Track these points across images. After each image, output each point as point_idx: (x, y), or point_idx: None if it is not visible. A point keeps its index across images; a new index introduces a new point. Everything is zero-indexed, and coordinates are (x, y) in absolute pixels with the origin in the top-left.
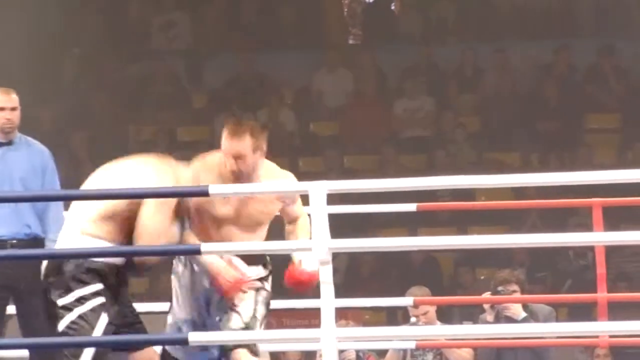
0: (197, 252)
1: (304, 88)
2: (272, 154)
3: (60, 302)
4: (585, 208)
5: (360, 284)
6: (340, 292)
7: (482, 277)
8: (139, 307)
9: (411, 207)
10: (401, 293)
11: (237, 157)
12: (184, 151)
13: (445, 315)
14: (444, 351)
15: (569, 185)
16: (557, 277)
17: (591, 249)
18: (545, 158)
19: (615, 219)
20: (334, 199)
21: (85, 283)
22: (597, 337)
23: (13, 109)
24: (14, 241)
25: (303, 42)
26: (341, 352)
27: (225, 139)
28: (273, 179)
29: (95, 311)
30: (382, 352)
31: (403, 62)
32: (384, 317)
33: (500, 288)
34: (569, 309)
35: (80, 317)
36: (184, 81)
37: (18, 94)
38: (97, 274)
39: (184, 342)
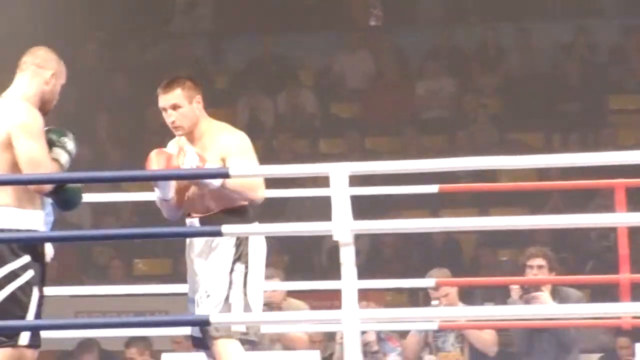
0: (219, 233)
1: (324, 69)
2: (293, 135)
3: None
4: (608, 189)
5: (382, 265)
6: (362, 274)
7: (504, 259)
8: (163, 288)
9: (433, 188)
10: (422, 275)
11: (174, 108)
12: None
13: (467, 296)
14: (465, 333)
15: (592, 166)
16: (579, 259)
17: (614, 230)
18: (568, 139)
19: (638, 200)
20: (355, 180)
21: (15, 254)
22: (619, 318)
23: None
24: None
25: (324, 23)
26: (362, 333)
27: (159, 96)
28: (216, 135)
29: (28, 286)
30: (404, 334)
31: (424, 43)
32: (405, 298)
33: (528, 263)
34: (591, 290)
35: (13, 294)
36: (205, 63)
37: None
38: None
39: (205, 323)
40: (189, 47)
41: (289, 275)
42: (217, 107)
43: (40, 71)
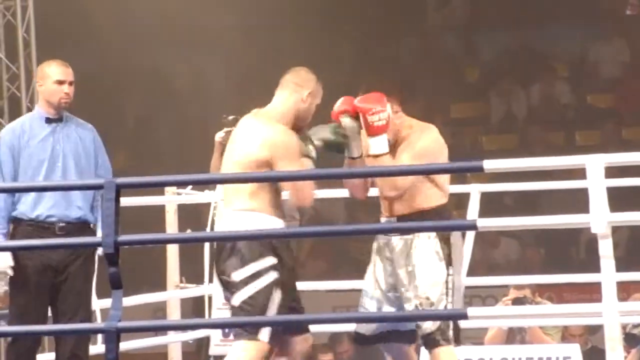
0: (474, 227)
1: (579, 60)
2: (548, 128)
3: (235, 276)
4: None
5: None
6: (621, 266)
7: None
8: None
9: None
10: None
11: None
12: (458, 127)
13: None
14: None
15: None
16: None
17: None
18: None
19: None
20: (612, 172)
21: (260, 255)
22: None
23: (71, 83)
24: (62, 224)
25: (579, 14)
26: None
27: None
28: (415, 133)
29: (270, 287)
30: None
31: None
32: None
33: None
34: None
35: (256, 292)
36: (458, 57)
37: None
38: (271, 247)
39: (463, 317)
40: (441, 41)
41: (545, 269)
42: (469, 100)
43: (298, 89)
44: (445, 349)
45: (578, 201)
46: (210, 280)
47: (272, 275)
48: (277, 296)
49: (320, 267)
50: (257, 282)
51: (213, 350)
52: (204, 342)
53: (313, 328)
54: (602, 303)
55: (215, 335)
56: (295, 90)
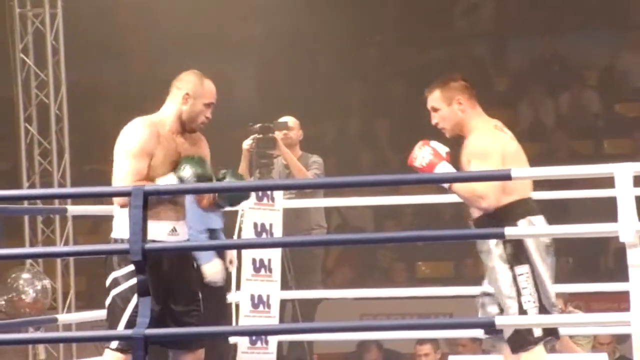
0: (502, 235)
1: (608, 68)
2: (576, 136)
3: (106, 283)
4: None
5: None
6: None
7: None
8: (446, 291)
9: None
10: None
11: (434, 111)
12: None
13: None
14: None
15: None
16: None
17: None
18: None
19: None
20: None
21: (122, 262)
22: None
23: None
24: None
25: (607, 22)
26: None
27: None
28: (469, 138)
29: (126, 293)
30: None
31: None
32: None
33: None
34: None
35: (113, 299)
36: (486, 65)
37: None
38: None
39: (491, 325)
40: (469, 49)
41: (573, 278)
42: (497, 108)
43: (177, 92)
44: (524, 357)
45: (607, 210)
46: (238, 288)
47: (130, 283)
48: (132, 303)
49: (348, 275)
50: (115, 289)
51: (240, 358)
52: (232, 350)
53: (338, 337)
54: (631, 312)
55: (243, 342)
56: (175, 93)
